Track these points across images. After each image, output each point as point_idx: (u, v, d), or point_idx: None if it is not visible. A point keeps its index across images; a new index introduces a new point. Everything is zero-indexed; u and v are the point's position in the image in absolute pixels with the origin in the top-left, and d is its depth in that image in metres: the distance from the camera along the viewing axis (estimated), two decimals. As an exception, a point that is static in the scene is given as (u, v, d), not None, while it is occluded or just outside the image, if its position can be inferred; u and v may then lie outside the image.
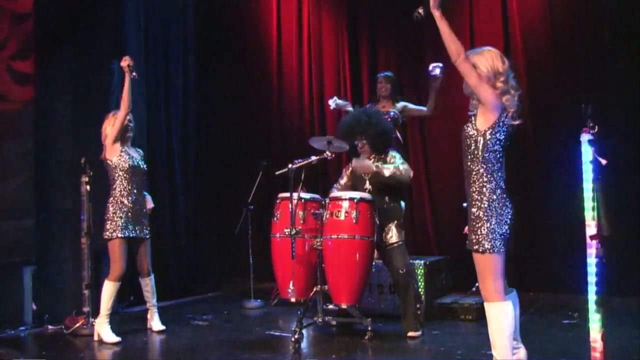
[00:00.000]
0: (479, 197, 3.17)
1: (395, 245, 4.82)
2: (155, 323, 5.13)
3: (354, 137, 4.98)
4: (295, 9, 7.74)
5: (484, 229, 3.13)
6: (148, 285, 5.12)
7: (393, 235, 4.84)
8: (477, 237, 3.14)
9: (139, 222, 4.95)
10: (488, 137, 3.16)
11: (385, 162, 4.90)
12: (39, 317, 5.39)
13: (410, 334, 4.68)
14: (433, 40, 6.90)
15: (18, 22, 5.43)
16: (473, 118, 3.24)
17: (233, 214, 6.71)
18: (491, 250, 3.12)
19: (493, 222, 3.12)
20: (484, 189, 3.16)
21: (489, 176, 3.17)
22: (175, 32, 7.25)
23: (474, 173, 3.20)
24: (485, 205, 3.15)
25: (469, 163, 3.23)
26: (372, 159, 4.96)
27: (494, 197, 3.15)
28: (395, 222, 4.87)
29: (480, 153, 3.18)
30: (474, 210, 3.18)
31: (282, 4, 7.85)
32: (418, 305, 4.78)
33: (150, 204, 5.15)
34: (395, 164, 4.84)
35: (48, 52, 5.69)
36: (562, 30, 6.29)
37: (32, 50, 5.51)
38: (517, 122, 3.21)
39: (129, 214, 4.87)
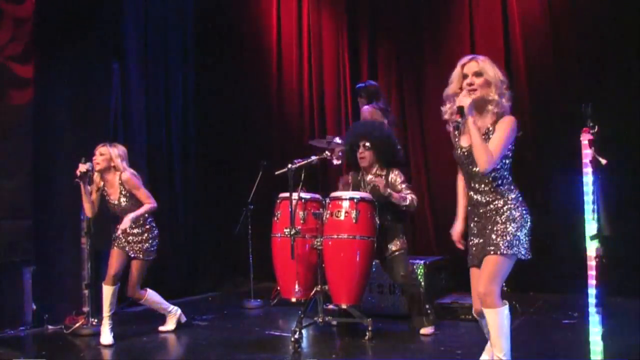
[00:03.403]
0: (515, 204, 3.14)
1: (397, 253, 4.82)
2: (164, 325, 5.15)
3: (358, 139, 4.96)
4: (295, 9, 7.74)
5: (521, 236, 3.11)
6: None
7: (393, 246, 4.84)
8: (512, 241, 3.10)
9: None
10: (509, 152, 3.16)
11: (387, 181, 4.85)
12: (39, 317, 5.39)
13: (422, 330, 4.72)
14: (432, 40, 6.98)
15: (18, 21, 5.43)
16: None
17: (233, 214, 6.71)
18: (516, 258, 3.11)
19: (527, 231, 3.12)
20: (520, 197, 3.16)
21: (513, 187, 3.16)
22: (174, 32, 7.26)
23: (497, 183, 3.16)
24: (521, 213, 3.13)
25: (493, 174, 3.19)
26: (374, 171, 4.94)
27: (524, 206, 3.14)
28: (396, 238, 4.86)
29: (502, 166, 3.15)
30: (501, 217, 3.13)
31: (282, 4, 7.84)
32: (427, 306, 4.80)
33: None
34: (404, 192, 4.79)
35: (48, 51, 5.68)
36: (562, 30, 6.29)
37: (32, 50, 5.50)
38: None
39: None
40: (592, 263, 3.22)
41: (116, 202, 4.83)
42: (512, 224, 3.12)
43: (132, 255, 4.84)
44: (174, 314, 5.16)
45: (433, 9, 7.02)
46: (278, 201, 4.91)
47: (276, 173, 4.89)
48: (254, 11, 8.02)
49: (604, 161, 3.18)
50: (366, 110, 5.92)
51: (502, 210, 3.14)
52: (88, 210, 4.88)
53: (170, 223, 6.89)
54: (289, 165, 4.70)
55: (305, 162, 4.80)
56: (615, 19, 5.93)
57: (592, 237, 3.21)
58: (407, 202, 4.73)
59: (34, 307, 5.44)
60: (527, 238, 3.13)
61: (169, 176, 7.00)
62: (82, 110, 5.86)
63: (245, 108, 7.94)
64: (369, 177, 4.96)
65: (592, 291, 3.21)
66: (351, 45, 7.42)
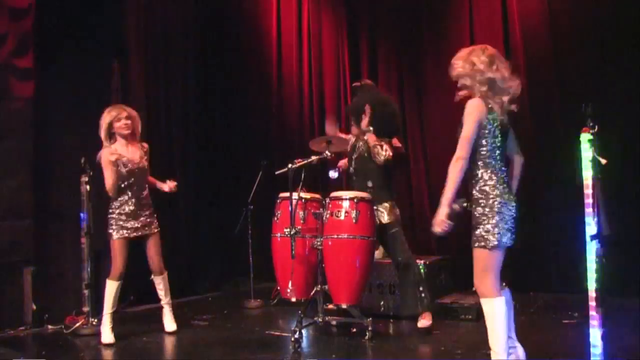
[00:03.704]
0: (482, 196, 3.20)
1: (393, 230, 4.86)
2: (167, 323, 5.10)
3: (362, 105, 5.01)
4: (295, 9, 7.74)
5: (490, 226, 3.16)
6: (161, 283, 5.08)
7: (384, 215, 4.87)
8: (482, 233, 3.17)
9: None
10: (481, 138, 3.20)
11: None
12: (39, 317, 5.39)
13: (420, 324, 4.73)
14: (433, 40, 6.97)
15: (18, 20, 5.43)
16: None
17: (233, 214, 6.71)
18: (494, 247, 3.14)
19: (497, 219, 3.16)
20: (486, 187, 3.21)
21: (489, 174, 3.20)
22: (175, 31, 7.25)
23: (474, 173, 3.24)
24: (490, 203, 3.17)
25: (470, 164, 3.25)
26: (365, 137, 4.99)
27: (497, 193, 3.18)
28: (384, 204, 4.89)
29: (477, 154, 3.21)
30: (479, 208, 3.21)
31: (282, 4, 7.84)
32: (421, 288, 4.82)
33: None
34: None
35: (48, 51, 5.68)
36: (562, 30, 6.29)
37: (32, 49, 5.51)
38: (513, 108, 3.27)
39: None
40: (592, 263, 3.22)
41: (138, 162, 4.87)
42: (483, 218, 3.20)
43: (149, 232, 4.87)
44: (168, 310, 5.12)
45: (433, 8, 7.01)
46: (278, 201, 4.92)
47: (276, 173, 4.90)
48: (254, 11, 8.02)
49: (604, 161, 3.19)
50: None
51: (477, 202, 3.25)
52: (114, 190, 4.78)
53: (171, 223, 6.88)
54: (289, 165, 4.71)
55: (306, 162, 4.80)
56: (616, 19, 5.93)
57: (592, 237, 3.21)
58: (384, 145, 4.81)
59: (34, 307, 5.44)
60: (498, 227, 3.16)
61: (169, 176, 6.97)
62: (82, 110, 5.84)
63: (245, 108, 7.94)
64: (360, 142, 5.07)
65: (592, 291, 3.21)
66: (351, 45, 7.42)
